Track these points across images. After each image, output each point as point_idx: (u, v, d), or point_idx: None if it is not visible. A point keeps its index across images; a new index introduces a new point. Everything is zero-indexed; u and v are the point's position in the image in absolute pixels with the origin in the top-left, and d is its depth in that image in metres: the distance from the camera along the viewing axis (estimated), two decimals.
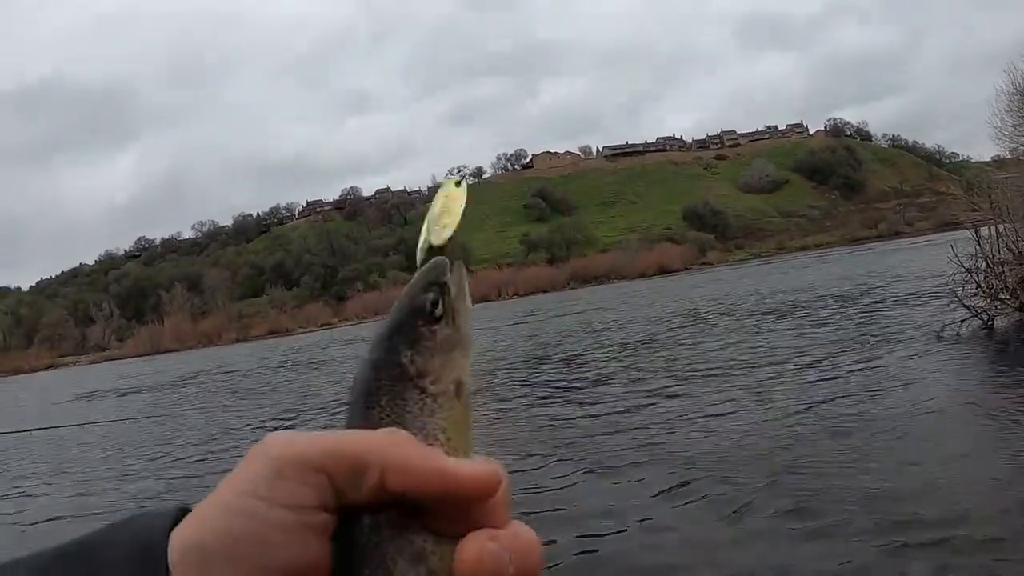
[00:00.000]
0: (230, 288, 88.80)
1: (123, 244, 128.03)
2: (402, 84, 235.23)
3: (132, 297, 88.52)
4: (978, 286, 13.35)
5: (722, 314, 25.81)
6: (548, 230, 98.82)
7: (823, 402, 10.13)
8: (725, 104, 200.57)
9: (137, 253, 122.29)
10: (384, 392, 0.40)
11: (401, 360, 0.43)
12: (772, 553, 5.69)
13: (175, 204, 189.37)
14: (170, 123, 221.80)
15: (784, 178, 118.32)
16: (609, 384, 14.64)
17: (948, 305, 13.84)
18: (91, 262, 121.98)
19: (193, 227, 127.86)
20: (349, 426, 0.39)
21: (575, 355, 20.18)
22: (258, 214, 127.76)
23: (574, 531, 6.71)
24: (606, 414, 11.72)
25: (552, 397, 13.89)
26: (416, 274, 0.43)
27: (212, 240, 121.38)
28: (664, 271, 77.31)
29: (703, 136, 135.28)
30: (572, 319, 34.30)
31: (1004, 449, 7.09)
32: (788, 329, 19.00)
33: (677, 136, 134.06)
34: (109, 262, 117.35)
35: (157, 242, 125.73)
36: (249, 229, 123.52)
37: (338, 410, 15.89)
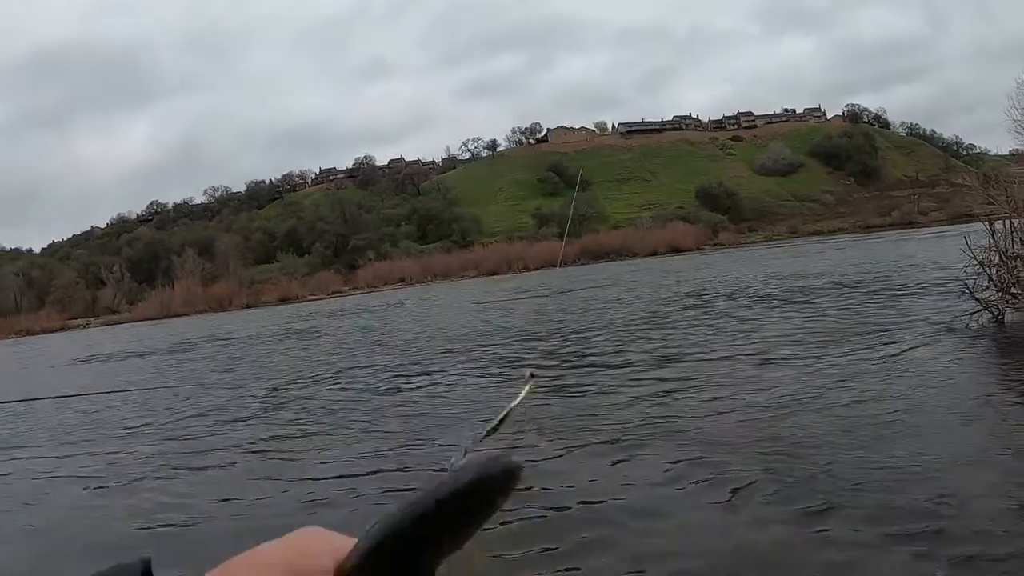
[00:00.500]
0: (242, 254, 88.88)
1: (136, 208, 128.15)
2: (419, 54, 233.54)
3: (143, 261, 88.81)
4: (990, 279, 13.38)
5: (731, 296, 25.84)
6: (561, 205, 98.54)
7: (827, 388, 10.23)
8: (743, 85, 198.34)
9: (149, 217, 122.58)
10: None
11: None
12: (765, 537, 5.80)
13: (189, 170, 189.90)
14: (186, 89, 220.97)
15: (800, 162, 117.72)
16: (610, 362, 14.74)
17: (959, 297, 13.88)
18: (103, 225, 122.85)
19: (206, 192, 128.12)
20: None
21: (576, 332, 20.28)
22: (271, 181, 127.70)
23: (568, 510, 6.83)
24: (606, 392, 11.85)
25: (551, 375, 13.97)
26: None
27: (224, 206, 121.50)
28: (676, 250, 77.09)
29: (720, 116, 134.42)
30: (580, 296, 34.37)
31: (1006, 443, 7.16)
32: (796, 314, 19.04)
33: (693, 115, 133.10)
34: (121, 225, 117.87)
35: (170, 207, 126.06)
36: (262, 195, 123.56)
37: (324, 379, 16.01)
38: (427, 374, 15.45)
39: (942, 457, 7.02)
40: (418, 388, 14.05)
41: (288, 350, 24.52)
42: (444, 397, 12.81)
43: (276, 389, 15.60)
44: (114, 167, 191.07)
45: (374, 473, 8.42)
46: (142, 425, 12.98)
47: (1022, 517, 5.62)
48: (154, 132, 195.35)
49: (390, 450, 9.44)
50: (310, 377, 16.97)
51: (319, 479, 8.36)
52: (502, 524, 6.56)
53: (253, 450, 10.13)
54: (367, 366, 17.74)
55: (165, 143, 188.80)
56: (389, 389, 14.29)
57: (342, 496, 7.70)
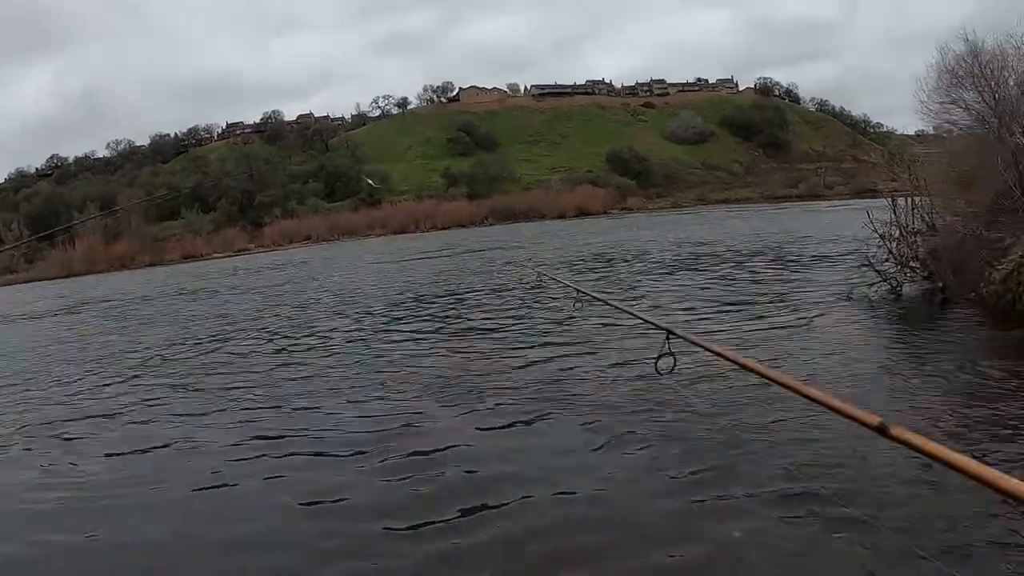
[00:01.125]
0: (145, 209, 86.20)
1: (35, 162, 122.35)
2: (330, 6, 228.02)
3: (43, 217, 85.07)
4: (890, 252, 13.84)
5: (632, 260, 26.20)
6: (471, 165, 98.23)
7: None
8: (657, 53, 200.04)
9: (49, 171, 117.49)
10: None
11: None
12: (663, 505, 5.89)
13: (91, 122, 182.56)
14: (89, 38, 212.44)
15: (710, 131, 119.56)
16: (504, 325, 14.83)
17: (859, 268, 14.35)
18: (0, 180, 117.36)
19: (108, 146, 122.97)
20: None
21: (474, 293, 20.37)
22: (176, 134, 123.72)
23: (467, 479, 6.84)
24: (500, 355, 11.93)
25: (449, 338, 14.05)
26: None
27: (128, 160, 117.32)
28: (584, 213, 77.64)
29: (633, 83, 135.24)
30: (482, 256, 34.53)
31: (895, 406, 7.43)
32: (698, 279, 19.43)
33: (606, 80, 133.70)
34: (20, 180, 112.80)
35: (70, 160, 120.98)
36: (166, 150, 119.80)
37: (214, 341, 15.73)
38: (321, 336, 15.37)
39: (838, 420, 7.23)
40: (309, 349, 14.00)
41: (181, 311, 24.01)
42: (334, 358, 12.79)
43: (160, 354, 15.26)
44: (11, 119, 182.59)
45: (260, 438, 8.36)
46: None
47: (914, 478, 5.86)
48: (54, 82, 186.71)
49: (274, 415, 9.35)
50: (198, 340, 16.69)
51: (199, 448, 8.22)
52: (381, 490, 6.59)
53: (127, 420, 9.88)
54: (261, 328, 17.51)
55: (67, 93, 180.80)
56: (280, 351, 14.16)
57: (227, 464, 7.61)
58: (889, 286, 13.92)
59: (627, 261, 25.77)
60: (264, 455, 7.76)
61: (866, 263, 14.18)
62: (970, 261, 12.25)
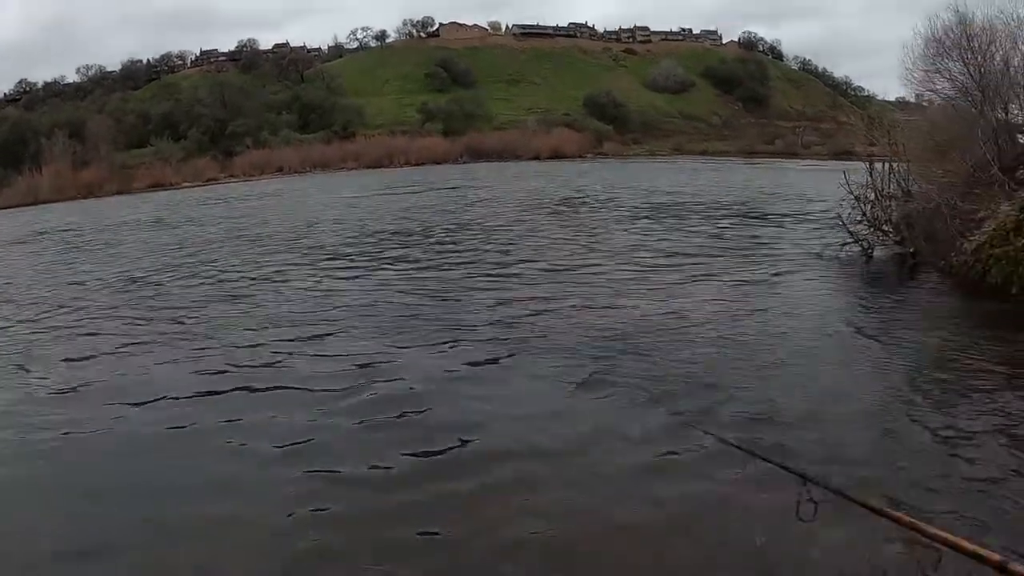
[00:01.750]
0: (114, 137, 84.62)
1: (3, 87, 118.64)
2: None
3: (10, 144, 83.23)
4: (864, 215, 13.92)
5: (604, 204, 26.20)
6: (447, 101, 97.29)
7: (689, 301, 10.62)
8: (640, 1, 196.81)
9: (17, 96, 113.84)
10: None
11: None
12: (602, 422, 6.04)
13: (61, 47, 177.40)
14: None
15: (691, 81, 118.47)
16: (473, 263, 14.91)
17: (832, 229, 14.48)
18: None
19: (78, 71, 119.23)
20: None
21: (445, 232, 20.37)
22: (148, 60, 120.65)
23: (429, 411, 6.97)
24: (466, 294, 12.04)
25: (411, 273, 14.08)
26: None
27: (98, 85, 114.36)
28: (559, 155, 77.07)
29: (616, 28, 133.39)
30: (454, 193, 34.48)
31: (859, 364, 7.61)
32: (668, 228, 19.56)
33: (589, 24, 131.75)
34: None
35: (39, 85, 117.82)
36: (138, 76, 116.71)
37: (174, 276, 15.66)
38: (279, 271, 15.32)
39: (803, 373, 7.43)
40: (265, 284, 13.92)
41: (141, 242, 23.75)
42: (290, 300, 12.79)
43: (116, 286, 15.13)
44: None
45: (223, 379, 8.40)
46: None
47: (868, 422, 6.26)
48: (24, 6, 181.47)
49: (224, 358, 9.35)
50: (155, 273, 16.60)
51: (161, 392, 8.22)
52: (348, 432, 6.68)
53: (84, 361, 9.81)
54: (220, 262, 17.38)
55: (36, 18, 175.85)
56: (239, 286, 14.07)
57: (194, 406, 7.64)
58: (861, 248, 14.10)
59: (603, 207, 25.78)
60: (228, 396, 7.79)
61: (839, 223, 14.31)
62: (943, 230, 12.39)
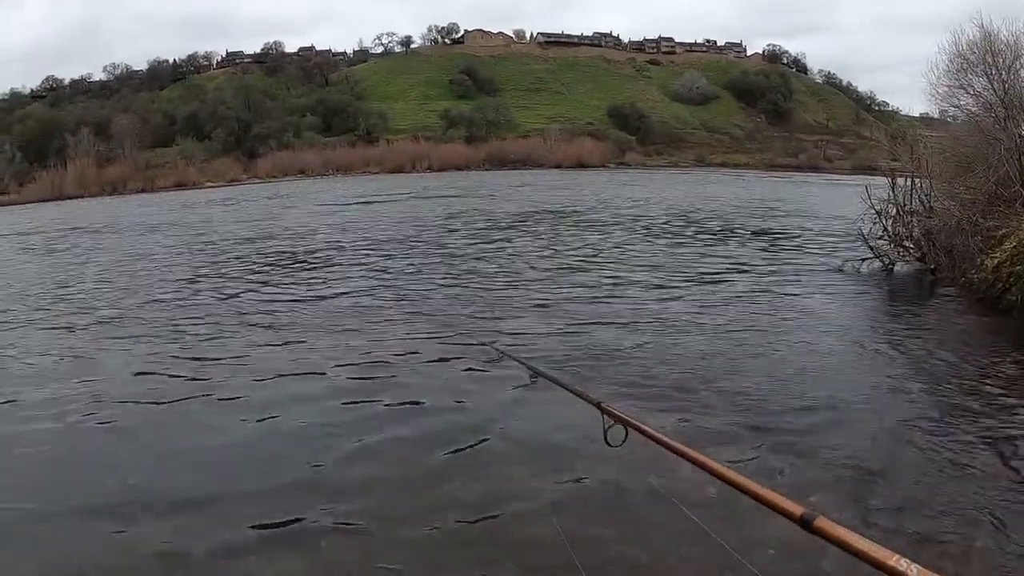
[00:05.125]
0: (139, 135, 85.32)
1: (30, 83, 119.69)
2: None
3: (36, 140, 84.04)
4: (885, 230, 13.88)
5: (626, 216, 26.18)
6: (471, 108, 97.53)
7: (707, 312, 10.66)
8: (667, 10, 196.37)
9: (44, 93, 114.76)
10: None
11: None
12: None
13: (89, 45, 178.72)
14: None
15: (714, 93, 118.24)
16: (486, 270, 14.95)
17: (853, 243, 14.45)
18: None
19: (105, 69, 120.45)
20: None
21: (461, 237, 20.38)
22: (175, 61, 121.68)
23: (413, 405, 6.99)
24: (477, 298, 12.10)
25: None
26: None
27: (124, 84, 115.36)
28: (581, 165, 77.18)
29: (640, 39, 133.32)
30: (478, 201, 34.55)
31: (873, 382, 7.55)
32: (689, 240, 19.59)
33: (614, 34, 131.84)
34: (14, 101, 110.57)
35: (66, 83, 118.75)
36: (164, 76, 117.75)
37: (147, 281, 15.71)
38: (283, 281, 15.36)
39: (814, 387, 7.42)
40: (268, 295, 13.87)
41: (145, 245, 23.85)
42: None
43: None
44: (7, 40, 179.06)
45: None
46: None
47: (888, 435, 6.17)
48: (52, 5, 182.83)
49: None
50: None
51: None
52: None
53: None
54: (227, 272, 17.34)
55: (65, 14, 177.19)
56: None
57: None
58: (881, 263, 14.07)
59: (624, 221, 25.77)
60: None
61: (860, 238, 14.29)
62: (964, 246, 12.33)
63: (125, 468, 5.93)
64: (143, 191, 65.28)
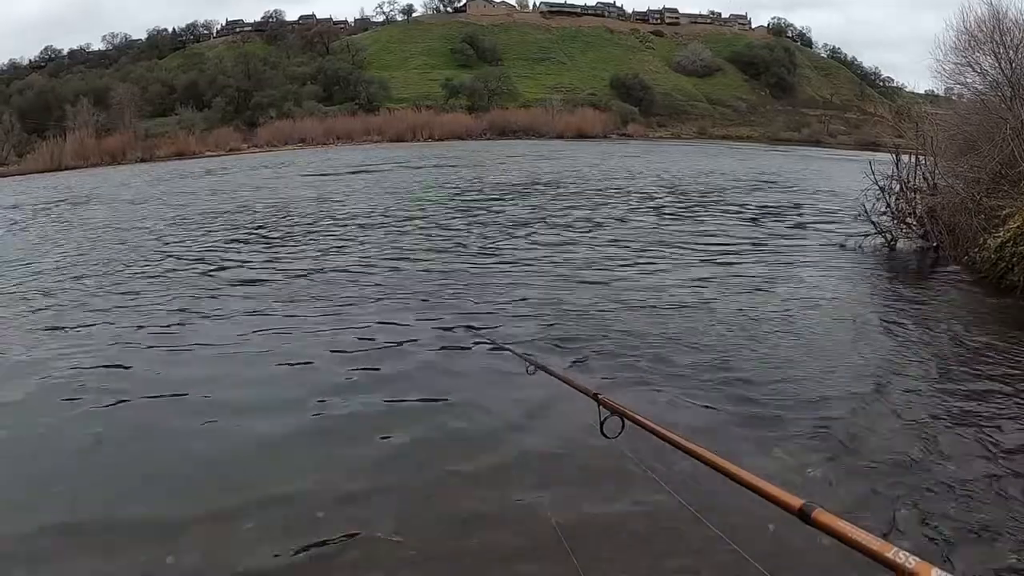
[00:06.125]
0: (138, 105, 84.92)
1: (29, 54, 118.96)
2: None
3: (35, 110, 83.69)
4: (888, 206, 13.84)
5: (627, 186, 26.12)
6: (472, 78, 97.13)
7: (704, 287, 10.65)
8: None
9: (43, 64, 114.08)
10: None
11: None
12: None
13: (87, 13, 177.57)
14: None
15: (718, 66, 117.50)
16: (489, 244, 14.90)
17: (856, 219, 14.41)
18: None
19: (104, 39, 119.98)
20: None
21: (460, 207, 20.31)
22: (174, 29, 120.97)
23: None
24: (482, 270, 12.08)
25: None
26: None
27: (123, 54, 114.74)
28: (583, 135, 77.07)
29: (644, 9, 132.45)
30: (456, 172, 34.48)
31: (874, 360, 7.55)
32: (688, 212, 19.46)
33: (617, 4, 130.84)
34: (12, 72, 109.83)
35: (65, 53, 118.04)
36: (163, 45, 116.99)
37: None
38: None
39: (815, 363, 7.43)
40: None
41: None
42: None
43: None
44: (6, 10, 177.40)
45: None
46: None
47: (887, 416, 6.21)
48: None
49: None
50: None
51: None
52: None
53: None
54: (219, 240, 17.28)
55: None
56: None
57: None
58: (884, 239, 14.03)
59: (628, 187, 25.71)
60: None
61: (863, 214, 14.25)
62: (967, 225, 12.28)
63: (106, 482, 5.60)
64: (143, 161, 65.09)
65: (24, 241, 19.24)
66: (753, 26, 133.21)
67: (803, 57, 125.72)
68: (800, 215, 19.48)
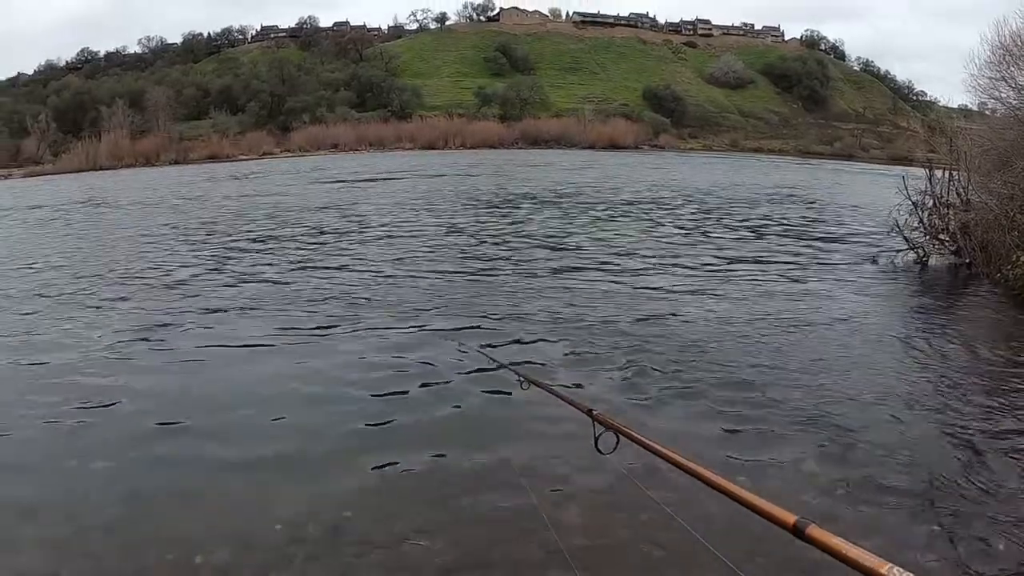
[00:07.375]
0: (173, 108, 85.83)
1: (66, 55, 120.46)
2: None
3: (71, 111, 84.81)
4: (921, 222, 13.71)
5: (656, 199, 26.02)
6: (505, 86, 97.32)
7: (735, 302, 10.56)
8: None
9: (79, 65, 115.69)
10: None
11: None
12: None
13: (123, 17, 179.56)
14: None
15: (750, 78, 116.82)
16: (522, 255, 14.83)
17: (888, 234, 14.28)
18: (30, 72, 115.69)
19: (140, 42, 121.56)
20: None
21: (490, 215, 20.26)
22: (209, 34, 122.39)
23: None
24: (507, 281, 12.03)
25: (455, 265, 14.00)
26: None
27: (158, 57, 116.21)
28: (614, 146, 76.94)
29: (677, 20, 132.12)
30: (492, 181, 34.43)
31: (904, 375, 7.45)
32: (722, 226, 19.38)
33: (650, 15, 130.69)
34: (49, 73, 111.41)
35: (101, 55, 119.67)
36: (198, 49, 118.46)
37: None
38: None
39: (845, 379, 7.36)
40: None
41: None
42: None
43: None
44: (45, 10, 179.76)
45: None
46: None
47: (914, 434, 6.10)
48: None
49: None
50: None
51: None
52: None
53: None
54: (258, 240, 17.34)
55: None
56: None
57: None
58: (916, 255, 13.90)
59: (657, 200, 25.62)
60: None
61: (896, 229, 14.13)
62: (1000, 242, 12.13)
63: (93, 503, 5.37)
64: (176, 163, 65.79)
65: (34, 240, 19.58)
66: (786, 38, 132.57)
67: (836, 70, 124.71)
68: (831, 229, 19.34)
